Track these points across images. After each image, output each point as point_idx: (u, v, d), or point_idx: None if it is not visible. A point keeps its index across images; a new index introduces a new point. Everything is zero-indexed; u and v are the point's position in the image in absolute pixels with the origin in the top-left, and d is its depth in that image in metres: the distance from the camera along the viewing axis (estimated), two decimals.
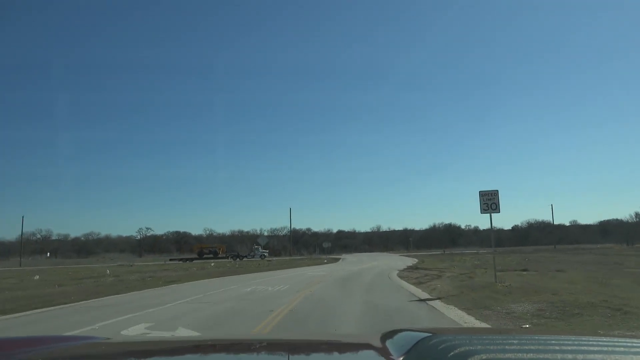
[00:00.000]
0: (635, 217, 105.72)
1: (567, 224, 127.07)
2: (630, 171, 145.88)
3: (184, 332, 8.47)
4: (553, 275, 19.55)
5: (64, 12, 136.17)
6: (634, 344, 1.25)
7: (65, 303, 14.27)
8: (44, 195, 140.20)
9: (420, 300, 12.86)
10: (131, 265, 53.01)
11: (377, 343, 1.69)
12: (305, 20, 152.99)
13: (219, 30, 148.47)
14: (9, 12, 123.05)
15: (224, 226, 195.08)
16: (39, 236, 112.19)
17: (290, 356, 1.83)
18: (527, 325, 8.11)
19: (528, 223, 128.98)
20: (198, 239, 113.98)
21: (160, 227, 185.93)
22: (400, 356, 1.35)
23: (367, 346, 1.85)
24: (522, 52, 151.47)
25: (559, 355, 1.11)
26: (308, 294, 15.32)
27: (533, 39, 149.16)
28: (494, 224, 16.63)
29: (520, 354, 1.13)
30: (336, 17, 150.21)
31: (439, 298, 12.89)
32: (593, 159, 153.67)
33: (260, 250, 74.94)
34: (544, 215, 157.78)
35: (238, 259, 70.74)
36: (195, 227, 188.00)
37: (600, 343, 1.26)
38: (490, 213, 16.15)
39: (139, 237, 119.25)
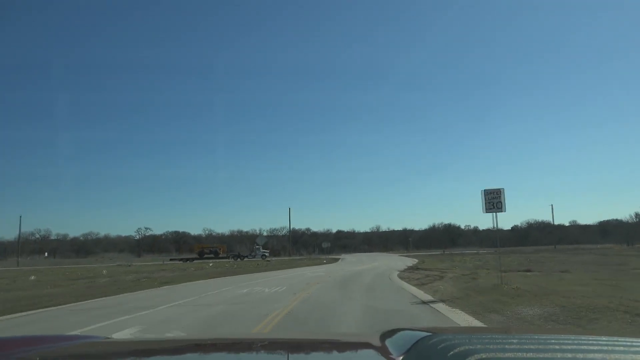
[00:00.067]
0: (635, 217, 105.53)
1: (567, 224, 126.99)
2: (630, 171, 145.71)
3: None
4: (558, 276, 19.01)
5: (64, 12, 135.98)
6: (634, 344, 1.23)
7: (51, 306, 13.72)
8: (44, 195, 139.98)
9: (423, 302, 12.28)
10: (129, 265, 52.63)
11: (376, 342, 1.69)
12: (305, 20, 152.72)
13: (219, 30, 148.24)
14: (9, 12, 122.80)
15: (223, 226, 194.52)
16: (37, 236, 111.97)
17: (290, 355, 1.82)
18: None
19: (528, 223, 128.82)
20: (197, 239, 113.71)
21: (160, 227, 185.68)
22: (400, 355, 1.35)
23: (367, 345, 1.86)
24: (522, 52, 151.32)
25: (559, 355, 1.10)
26: (306, 296, 14.78)
27: (533, 39, 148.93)
28: (494, 224, 16.09)
29: (520, 354, 1.11)
30: (336, 17, 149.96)
31: (442, 300, 12.31)
32: (593, 159, 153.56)
33: (262, 250, 74.39)
34: (543, 216, 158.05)
35: (239, 259, 70.24)
36: (195, 227, 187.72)
37: (600, 342, 1.24)
38: (494, 212, 15.60)
39: (137, 237, 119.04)
